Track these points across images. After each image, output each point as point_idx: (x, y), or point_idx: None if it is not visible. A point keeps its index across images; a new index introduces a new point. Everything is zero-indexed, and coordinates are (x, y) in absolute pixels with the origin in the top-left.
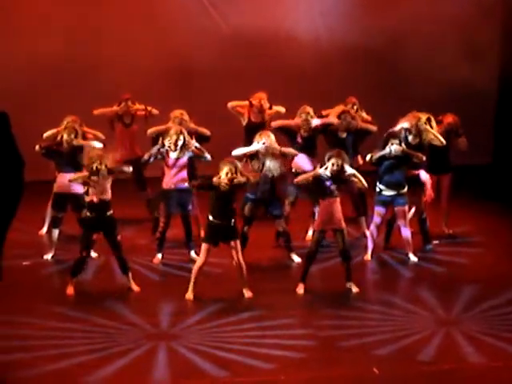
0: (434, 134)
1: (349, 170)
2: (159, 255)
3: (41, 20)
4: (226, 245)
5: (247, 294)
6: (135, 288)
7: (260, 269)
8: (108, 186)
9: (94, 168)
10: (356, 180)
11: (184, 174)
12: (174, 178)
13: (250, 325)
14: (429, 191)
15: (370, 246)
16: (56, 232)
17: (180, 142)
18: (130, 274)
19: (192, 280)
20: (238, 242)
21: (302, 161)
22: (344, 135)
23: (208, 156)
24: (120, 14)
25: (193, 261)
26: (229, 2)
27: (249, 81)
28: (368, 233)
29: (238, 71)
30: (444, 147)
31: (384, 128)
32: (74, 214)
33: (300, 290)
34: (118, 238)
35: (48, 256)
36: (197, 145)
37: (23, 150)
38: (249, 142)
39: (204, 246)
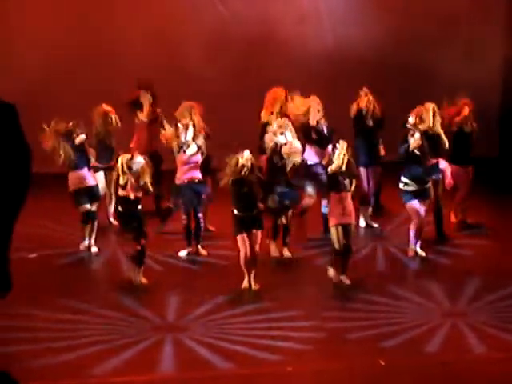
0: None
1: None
2: (185, 251)
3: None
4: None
5: (254, 286)
6: (143, 280)
7: (267, 261)
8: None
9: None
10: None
11: (197, 169)
12: (186, 174)
13: (256, 317)
14: (448, 180)
15: (413, 241)
16: (94, 224)
17: (190, 135)
18: (142, 268)
19: (245, 271)
20: (260, 233)
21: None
22: (371, 123)
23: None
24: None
25: (200, 254)
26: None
27: (252, 81)
28: (411, 232)
29: (242, 72)
30: (470, 139)
31: (390, 128)
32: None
33: (346, 280)
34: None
35: (94, 247)
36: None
37: (31, 142)
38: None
39: (238, 238)
